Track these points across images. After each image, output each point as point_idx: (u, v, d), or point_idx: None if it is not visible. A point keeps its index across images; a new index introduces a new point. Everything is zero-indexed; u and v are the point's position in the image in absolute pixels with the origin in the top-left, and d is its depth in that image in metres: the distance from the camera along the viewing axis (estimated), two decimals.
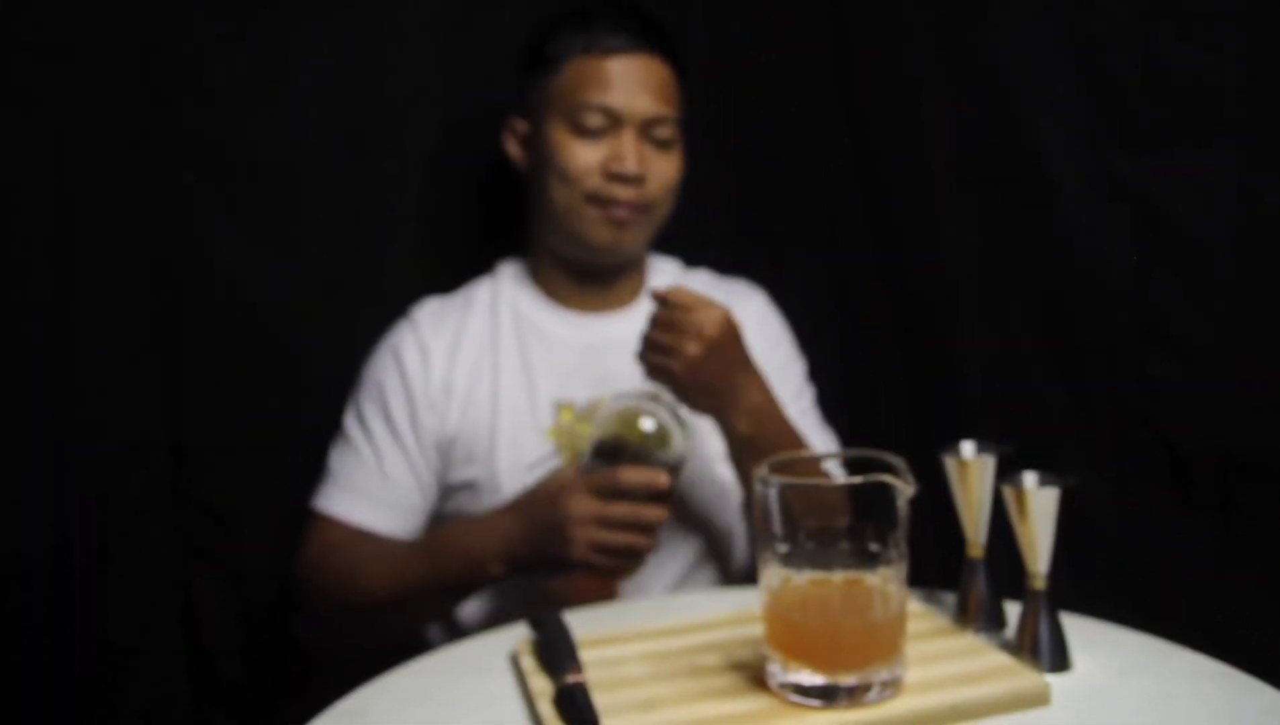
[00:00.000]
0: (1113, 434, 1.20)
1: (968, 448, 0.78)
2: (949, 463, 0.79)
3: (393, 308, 1.17)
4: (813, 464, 0.92)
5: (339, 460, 1.12)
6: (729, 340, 0.99)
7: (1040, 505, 0.74)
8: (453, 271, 1.20)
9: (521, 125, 1.18)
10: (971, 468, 0.78)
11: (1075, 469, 1.19)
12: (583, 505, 0.93)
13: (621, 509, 0.93)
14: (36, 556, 1.06)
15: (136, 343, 1.13)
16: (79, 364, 1.08)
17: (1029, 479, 0.75)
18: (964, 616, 0.81)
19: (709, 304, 0.99)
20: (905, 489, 0.68)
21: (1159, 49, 1.15)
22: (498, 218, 1.28)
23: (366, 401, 1.14)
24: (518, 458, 1.11)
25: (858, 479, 0.69)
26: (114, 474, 1.11)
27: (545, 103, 1.14)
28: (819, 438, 1.17)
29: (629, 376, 1.05)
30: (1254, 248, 1.13)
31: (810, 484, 0.70)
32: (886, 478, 0.68)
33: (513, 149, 1.19)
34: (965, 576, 0.81)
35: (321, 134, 1.20)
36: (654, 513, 0.93)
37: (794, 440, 1.04)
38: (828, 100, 1.37)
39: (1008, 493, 0.75)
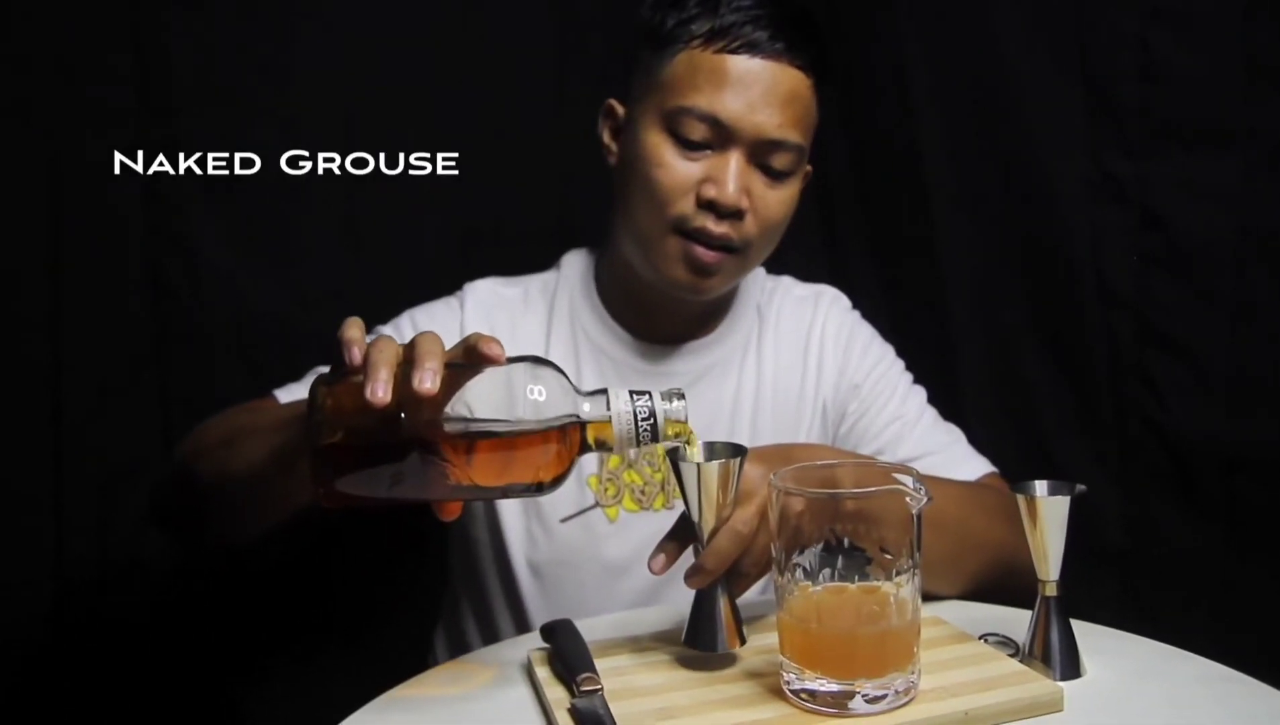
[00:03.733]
0: (1116, 437, 1.21)
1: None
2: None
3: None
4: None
5: (316, 370, 1.00)
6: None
7: (1051, 513, 0.74)
8: (457, 282, 1.17)
9: (619, 110, 1.01)
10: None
11: (1079, 472, 1.21)
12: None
13: (429, 335, 0.66)
14: (36, 576, 1.06)
15: (133, 360, 1.12)
16: (76, 382, 1.08)
17: (1039, 487, 0.75)
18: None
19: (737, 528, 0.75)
20: (918, 497, 0.68)
21: (1157, 53, 1.16)
22: (499, 228, 1.27)
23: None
24: (543, 509, 0.99)
25: (872, 488, 0.70)
26: (112, 493, 1.10)
27: (647, 92, 0.96)
28: (935, 438, 1.05)
29: (699, 425, 0.93)
30: (1253, 249, 1.14)
31: (822, 494, 0.71)
32: (900, 487, 0.69)
33: (605, 136, 1.02)
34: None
35: (320, 146, 1.19)
36: (433, 351, 0.64)
37: None
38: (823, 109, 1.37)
39: (1019, 500, 0.75)
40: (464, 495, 0.69)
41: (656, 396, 0.69)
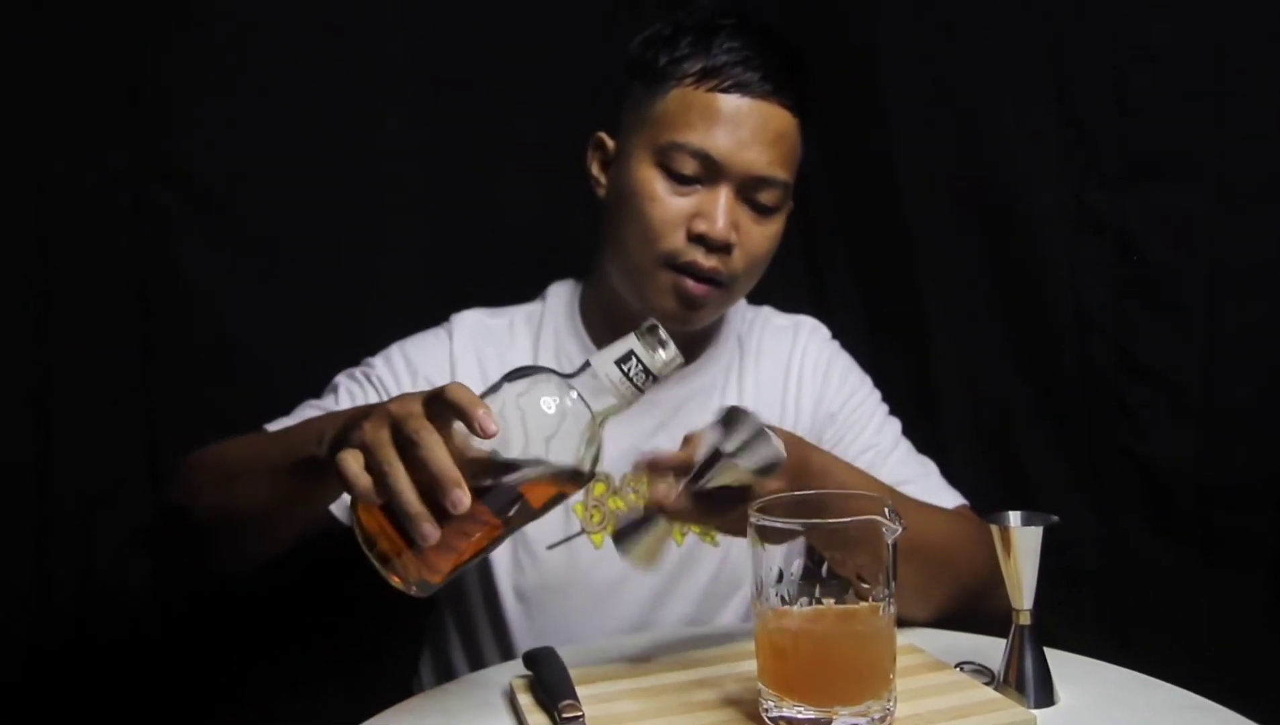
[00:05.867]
0: (1092, 463, 1.23)
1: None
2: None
3: (377, 344, 1.12)
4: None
5: (307, 403, 1.01)
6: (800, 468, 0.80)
7: (1024, 543, 0.75)
8: (440, 308, 1.15)
9: (609, 144, 1.03)
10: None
11: (1056, 497, 1.23)
12: (403, 405, 0.68)
13: (428, 435, 0.66)
14: (19, 596, 1.06)
15: (119, 381, 1.12)
16: (61, 403, 1.07)
17: (1013, 517, 0.76)
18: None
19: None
20: (893, 527, 0.70)
21: (1133, 89, 1.18)
22: (485, 252, 1.28)
23: (370, 377, 1.02)
24: (529, 536, 0.99)
25: (848, 518, 0.71)
26: (97, 512, 1.10)
27: (638, 127, 0.98)
28: (909, 469, 1.05)
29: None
30: (1226, 279, 1.17)
31: (794, 524, 0.72)
32: (876, 516, 0.70)
33: (594, 168, 1.04)
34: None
35: (306, 168, 1.19)
36: (448, 471, 0.64)
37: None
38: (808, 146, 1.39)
39: (993, 531, 0.77)
40: (522, 526, 0.72)
41: (635, 343, 0.71)
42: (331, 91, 1.21)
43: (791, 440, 0.81)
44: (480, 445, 0.67)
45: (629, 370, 0.70)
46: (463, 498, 0.64)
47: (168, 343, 1.15)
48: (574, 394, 0.70)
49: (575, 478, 0.71)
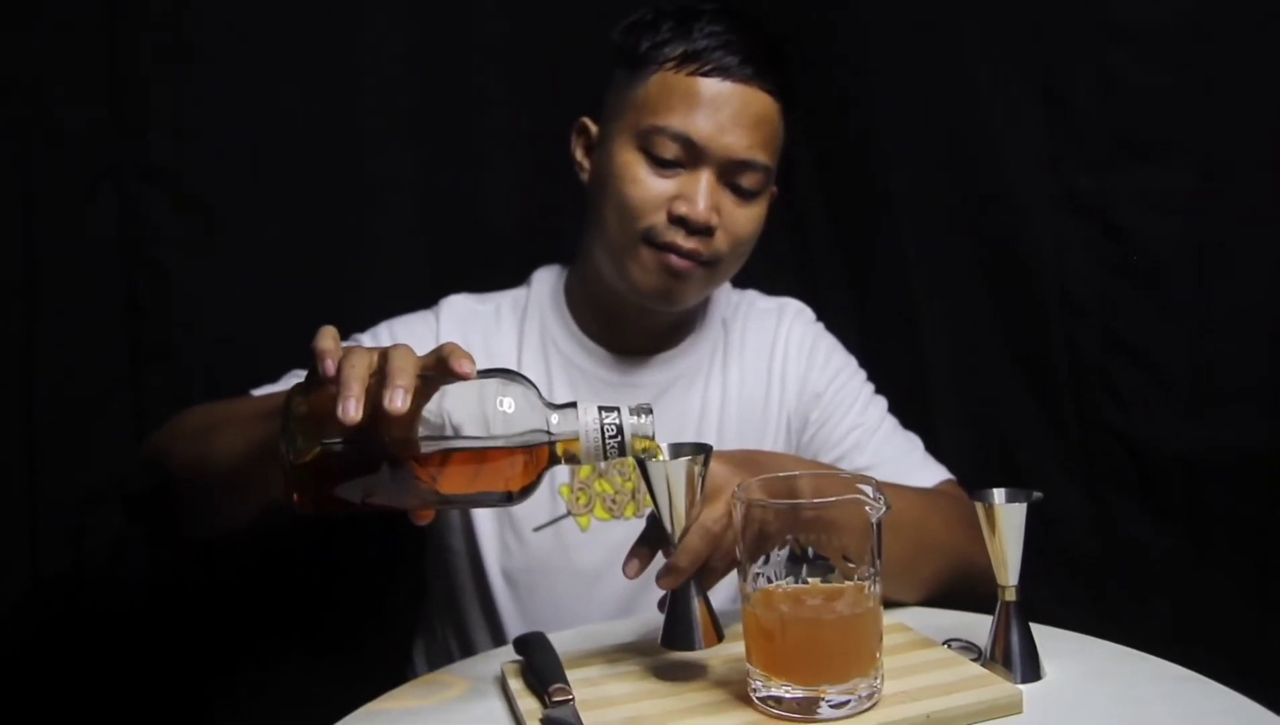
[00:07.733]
0: (1080, 443, 1.23)
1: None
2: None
3: None
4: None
5: (292, 373, 1.01)
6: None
7: (1009, 519, 0.76)
8: (428, 301, 1.15)
9: (592, 129, 1.04)
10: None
11: (1043, 478, 1.23)
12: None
13: (405, 351, 0.66)
14: (10, 598, 1.06)
15: (108, 381, 1.12)
16: (50, 403, 1.08)
17: (998, 494, 0.77)
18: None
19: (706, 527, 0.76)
20: (878, 506, 0.70)
21: (1115, 69, 1.19)
22: (477, 251, 1.28)
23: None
24: (516, 518, 1.02)
25: (832, 498, 0.72)
26: (87, 512, 1.10)
27: (621, 111, 0.99)
28: (893, 446, 1.07)
29: (666, 436, 0.90)
30: (1210, 259, 1.17)
31: (784, 504, 0.72)
32: (860, 496, 0.71)
33: (578, 153, 1.06)
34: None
35: (292, 163, 1.19)
36: (404, 371, 0.64)
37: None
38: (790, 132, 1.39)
39: (978, 508, 0.77)
40: (434, 504, 0.71)
41: (624, 411, 0.70)
42: (317, 84, 1.21)
43: (737, 453, 0.84)
44: (441, 411, 0.67)
45: (605, 419, 0.69)
46: (401, 396, 0.63)
47: (156, 342, 1.14)
48: (547, 415, 0.69)
49: (507, 492, 0.70)
